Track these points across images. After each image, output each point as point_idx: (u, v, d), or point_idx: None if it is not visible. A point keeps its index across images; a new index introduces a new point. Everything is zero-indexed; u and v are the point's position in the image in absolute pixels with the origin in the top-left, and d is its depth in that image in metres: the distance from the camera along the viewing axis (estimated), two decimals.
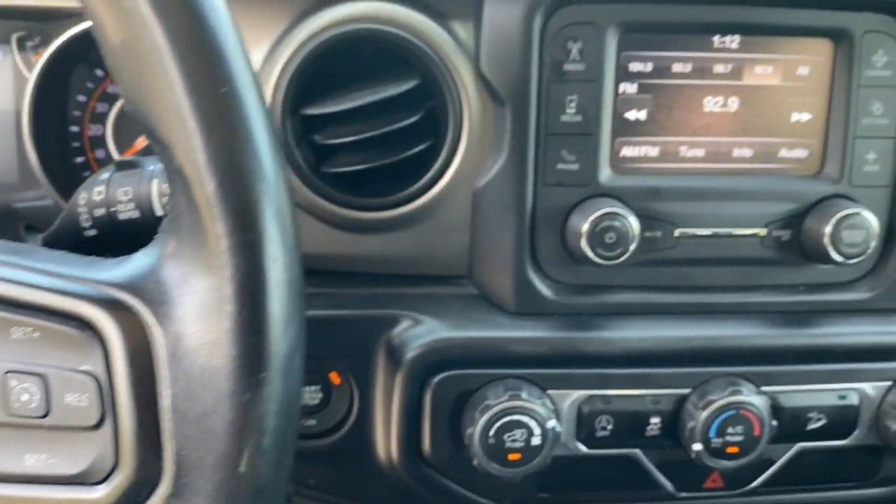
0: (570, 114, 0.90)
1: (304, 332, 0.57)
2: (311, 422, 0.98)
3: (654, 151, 0.94)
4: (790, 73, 0.93)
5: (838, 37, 0.92)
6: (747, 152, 0.95)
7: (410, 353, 0.91)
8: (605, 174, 0.92)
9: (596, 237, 0.89)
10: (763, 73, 0.93)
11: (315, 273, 0.97)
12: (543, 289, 0.94)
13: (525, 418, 0.88)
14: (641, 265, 0.94)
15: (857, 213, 0.91)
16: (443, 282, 0.99)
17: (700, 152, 0.94)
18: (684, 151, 0.94)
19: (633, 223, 0.89)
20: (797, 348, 0.95)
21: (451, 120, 0.92)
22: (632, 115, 0.93)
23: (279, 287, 0.51)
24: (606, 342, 0.93)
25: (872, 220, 0.92)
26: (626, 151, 0.93)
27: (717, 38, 0.92)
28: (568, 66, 0.89)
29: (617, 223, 0.89)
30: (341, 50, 0.92)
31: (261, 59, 0.91)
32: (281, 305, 0.51)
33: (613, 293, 0.95)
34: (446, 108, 0.91)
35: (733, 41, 0.92)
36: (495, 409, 0.87)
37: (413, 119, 0.90)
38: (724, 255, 0.95)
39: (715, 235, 0.94)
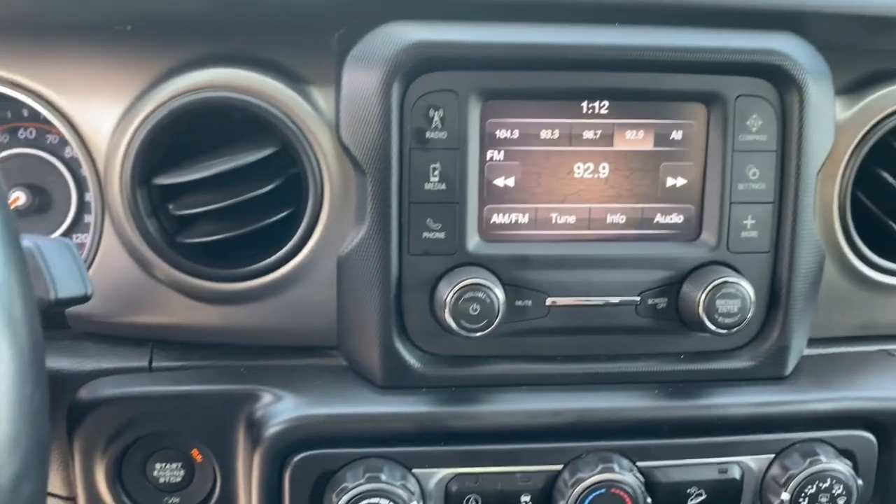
0: (434, 182, 0.88)
1: (45, 451, 0.52)
2: (175, 500, 0.93)
3: (524, 219, 0.91)
4: (663, 138, 0.91)
5: (711, 101, 0.90)
6: (620, 219, 0.93)
7: (269, 431, 0.87)
8: (474, 242, 0.90)
9: (459, 308, 0.86)
10: (634, 138, 0.91)
11: (176, 345, 0.94)
12: (412, 360, 0.90)
13: (384, 502, 0.84)
14: (513, 335, 0.91)
15: (732, 282, 0.89)
16: (311, 353, 0.95)
17: (571, 219, 0.92)
18: (555, 218, 0.92)
19: (499, 294, 0.86)
20: (675, 420, 0.92)
21: (311, 188, 0.89)
22: (500, 181, 0.90)
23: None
24: (476, 417, 0.90)
25: (748, 289, 0.89)
26: (496, 219, 0.91)
27: (585, 104, 0.90)
28: (430, 134, 0.87)
29: (481, 294, 0.86)
30: (201, 117, 0.89)
31: (111, 128, 0.88)
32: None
33: (485, 364, 0.92)
34: (307, 176, 0.89)
35: (602, 107, 0.90)
36: (353, 493, 0.83)
37: (270, 187, 0.88)
38: (599, 324, 0.92)
39: (588, 304, 0.92)
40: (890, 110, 0.96)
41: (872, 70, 0.99)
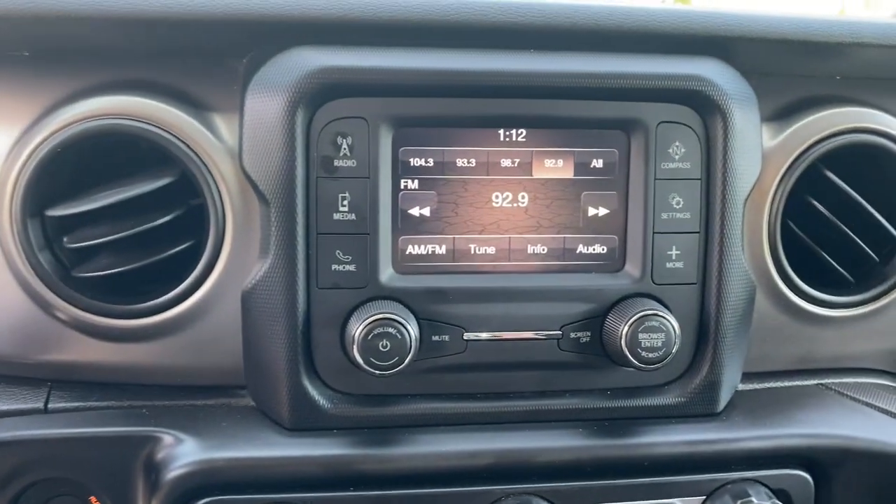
0: (343, 211, 0.84)
1: None
2: None
3: (440, 250, 0.87)
4: (583, 166, 0.88)
5: (631, 128, 0.88)
6: (542, 249, 0.89)
7: (169, 476, 0.82)
8: (387, 274, 0.86)
9: (368, 345, 0.81)
10: (553, 166, 0.88)
11: (74, 385, 0.89)
12: (321, 400, 0.85)
13: None
14: (430, 372, 0.87)
15: (656, 314, 0.85)
16: (217, 393, 0.90)
17: (490, 250, 0.88)
18: (473, 249, 0.88)
19: (412, 329, 0.82)
20: (601, 461, 0.88)
21: (213, 218, 0.85)
22: (415, 211, 0.87)
23: None
24: (388, 460, 0.85)
25: (672, 323, 0.86)
26: (411, 250, 0.87)
27: (502, 132, 0.87)
28: (339, 163, 0.83)
29: (391, 329, 0.82)
30: (104, 146, 0.85)
31: (2, 157, 0.83)
32: None
33: (400, 403, 0.87)
34: (208, 206, 0.85)
35: (519, 134, 0.87)
36: None
37: (168, 218, 0.84)
38: (520, 360, 0.88)
39: (508, 339, 0.88)
40: (818, 137, 0.94)
41: (800, 96, 0.96)
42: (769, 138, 0.94)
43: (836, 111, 0.95)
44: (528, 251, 0.89)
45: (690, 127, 0.88)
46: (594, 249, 0.90)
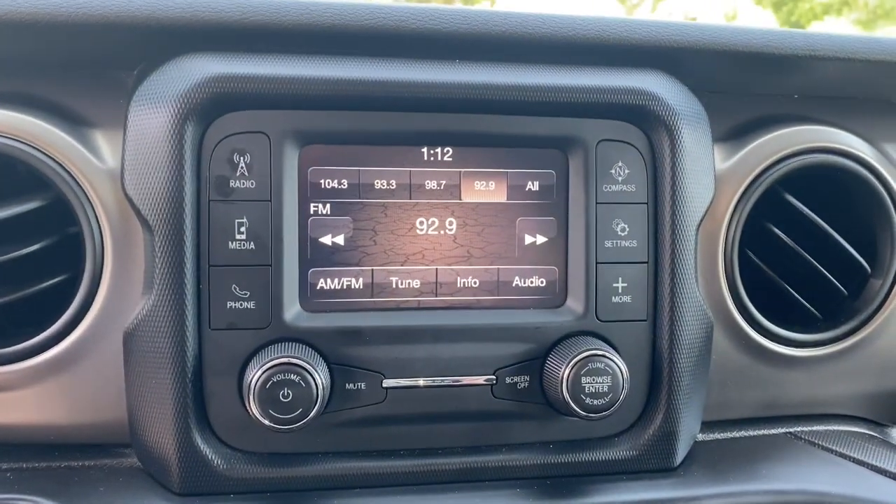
0: (241, 240, 0.73)
1: None
2: None
3: (356, 284, 0.77)
4: (517, 189, 0.79)
5: (569, 147, 0.79)
6: (473, 282, 0.79)
7: None
8: (293, 313, 0.75)
9: (267, 395, 0.70)
10: (484, 188, 0.78)
11: None
12: (216, 459, 0.73)
13: None
14: (343, 426, 0.76)
15: (601, 355, 0.75)
16: (98, 452, 0.78)
17: (414, 283, 0.78)
18: (395, 283, 0.78)
19: (320, 376, 0.71)
20: None
21: (90, 248, 0.74)
22: (327, 240, 0.76)
23: None
24: None
25: (620, 365, 0.76)
26: (322, 284, 0.76)
27: (426, 150, 0.78)
28: (235, 183, 0.73)
29: (294, 377, 0.70)
30: None
31: None
32: None
33: (309, 463, 0.75)
34: (84, 234, 0.74)
35: (445, 153, 0.78)
36: None
37: (35, 247, 0.72)
38: (448, 410, 0.77)
39: (434, 385, 0.77)
40: (776, 157, 0.86)
41: (755, 115, 0.89)
42: (722, 160, 0.86)
43: (794, 129, 0.87)
44: (458, 284, 0.79)
45: (634, 146, 0.80)
46: (532, 282, 0.80)
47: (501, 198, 0.79)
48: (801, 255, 0.87)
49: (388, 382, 0.76)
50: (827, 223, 0.87)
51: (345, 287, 0.77)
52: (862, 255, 0.89)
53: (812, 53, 0.82)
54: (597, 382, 0.75)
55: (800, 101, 0.91)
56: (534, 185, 0.79)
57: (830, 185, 0.90)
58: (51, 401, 0.76)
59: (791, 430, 0.92)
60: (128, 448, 0.78)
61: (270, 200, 0.73)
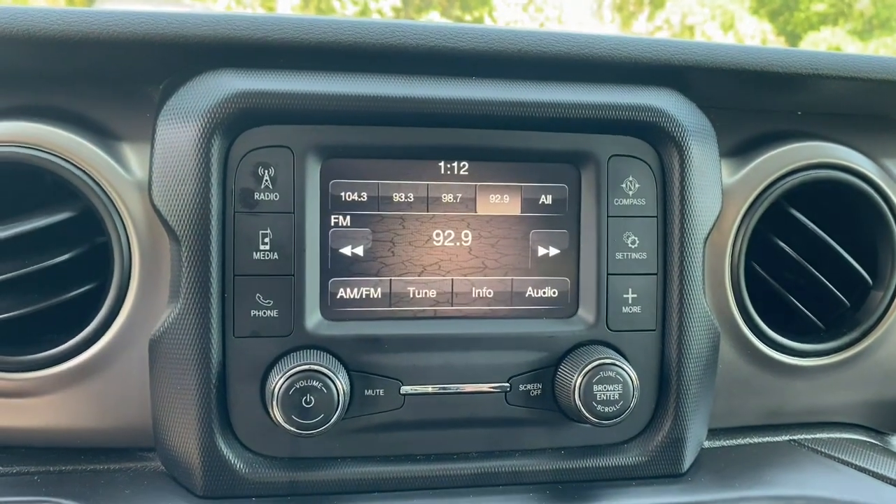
0: (264, 250, 0.76)
1: None
2: None
3: (375, 293, 0.79)
4: (531, 202, 0.81)
5: (582, 162, 0.81)
6: (487, 293, 0.81)
7: None
8: (314, 321, 0.77)
9: (290, 401, 0.72)
10: (499, 202, 0.81)
11: None
12: (238, 464, 0.75)
13: None
14: (363, 431, 0.78)
15: (612, 364, 0.78)
16: (123, 456, 0.80)
17: (431, 293, 0.80)
18: (412, 293, 0.80)
19: (341, 383, 0.73)
20: None
21: (118, 258, 0.76)
22: (347, 250, 0.79)
23: None
24: None
25: (630, 373, 0.78)
26: (342, 293, 0.79)
27: (443, 164, 0.80)
28: (260, 196, 0.75)
29: (316, 383, 0.73)
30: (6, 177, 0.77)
31: None
32: None
33: (329, 467, 0.78)
34: (112, 244, 0.76)
35: (462, 167, 0.80)
36: None
37: (65, 257, 0.75)
38: (464, 416, 0.79)
39: (450, 392, 0.79)
40: (781, 172, 0.89)
41: (761, 131, 0.92)
42: (729, 174, 0.89)
43: (798, 146, 0.90)
44: (473, 294, 0.81)
45: (645, 161, 0.82)
46: (544, 293, 0.82)
47: (515, 211, 0.82)
48: (805, 267, 0.89)
49: (405, 389, 0.79)
50: (830, 236, 0.89)
51: (364, 296, 0.79)
52: (864, 268, 0.92)
53: (816, 72, 0.84)
54: (608, 390, 0.78)
55: (804, 118, 0.93)
56: (547, 199, 0.82)
57: (833, 199, 0.93)
58: (78, 406, 0.78)
59: (794, 437, 0.94)
60: (152, 452, 0.80)
61: (293, 212, 0.76)
